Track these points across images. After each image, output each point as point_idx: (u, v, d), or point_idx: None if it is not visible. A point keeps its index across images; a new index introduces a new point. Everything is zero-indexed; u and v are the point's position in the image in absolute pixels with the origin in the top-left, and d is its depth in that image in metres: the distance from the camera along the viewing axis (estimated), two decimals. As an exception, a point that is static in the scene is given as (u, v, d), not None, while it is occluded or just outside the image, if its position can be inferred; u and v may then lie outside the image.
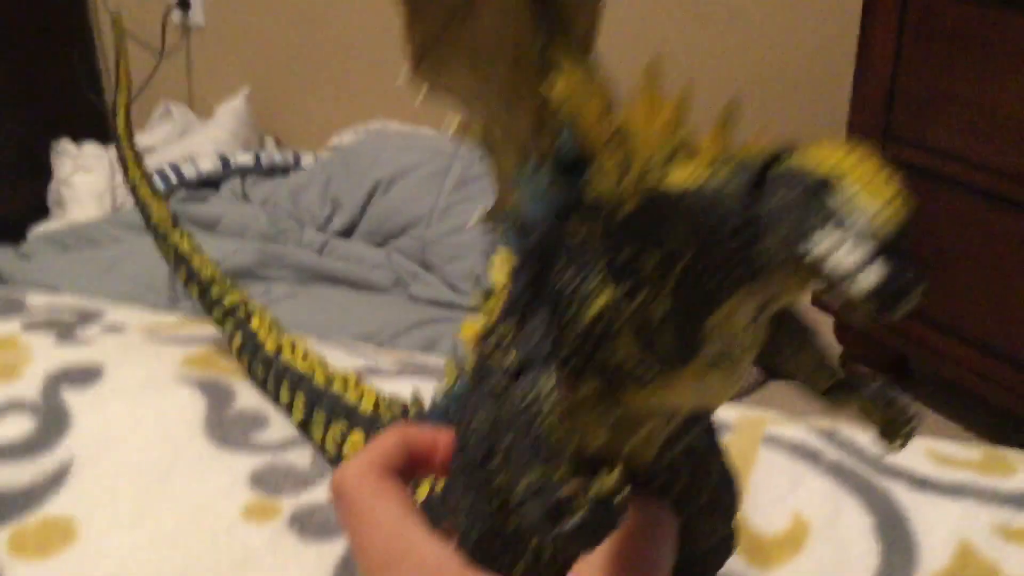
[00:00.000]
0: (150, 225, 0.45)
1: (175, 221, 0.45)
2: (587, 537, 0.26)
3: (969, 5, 1.41)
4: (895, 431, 0.33)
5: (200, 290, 0.46)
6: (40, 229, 2.00)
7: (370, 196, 1.87)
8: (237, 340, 0.44)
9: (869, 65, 1.57)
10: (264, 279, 1.73)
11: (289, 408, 0.51)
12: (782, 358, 0.33)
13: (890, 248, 0.23)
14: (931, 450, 0.54)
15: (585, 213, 0.28)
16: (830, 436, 0.55)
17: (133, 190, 0.45)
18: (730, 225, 0.26)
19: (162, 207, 0.45)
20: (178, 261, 0.45)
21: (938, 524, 0.48)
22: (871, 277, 0.23)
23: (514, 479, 0.28)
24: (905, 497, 0.50)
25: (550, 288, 0.29)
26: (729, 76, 1.96)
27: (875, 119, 1.57)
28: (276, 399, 0.53)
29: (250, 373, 0.49)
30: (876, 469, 0.52)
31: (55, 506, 0.48)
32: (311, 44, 2.25)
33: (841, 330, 1.77)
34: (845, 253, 0.23)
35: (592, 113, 0.28)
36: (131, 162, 0.44)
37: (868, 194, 0.24)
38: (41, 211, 2.10)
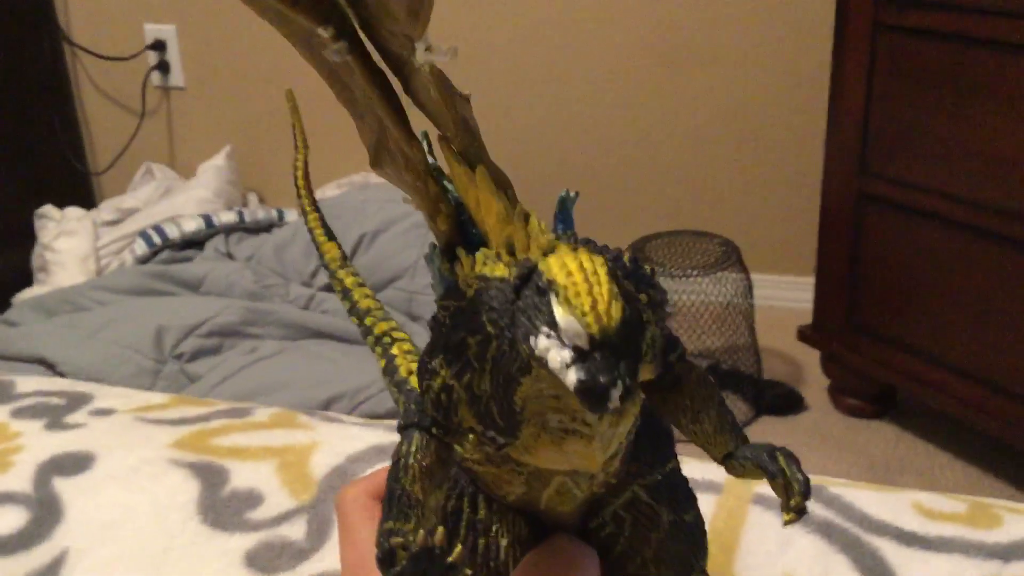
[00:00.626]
0: (323, 263, 0.51)
1: (344, 260, 0.51)
2: None
3: (936, 43, 1.44)
4: (786, 503, 0.34)
5: (358, 320, 0.51)
6: (24, 295, 2.00)
7: (355, 249, 1.88)
8: (382, 363, 0.48)
9: (842, 103, 1.59)
10: (252, 337, 1.73)
11: None
12: (682, 424, 0.36)
13: (595, 349, 0.26)
14: (917, 503, 0.55)
15: (450, 298, 0.31)
16: (818, 493, 0.55)
17: (310, 231, 0.51)
18: (506, 317, 0.29)
19: (333, 248, 0.51)
20: (344, 294, 0.50)
21: (926, 580, 0.48)
22: (572, 377, 0.26)
23: (380, 524, 0.31)
24: (893, 554, 0.50)
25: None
26: (704, 117, 1.99)
27: (850, 156, 1.60)
28: None
29: (389, 392, 0.52)
30: (863, 526, 0.52)
31: (50, 600, 0.48)
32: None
33: (828, 363, 1.78)
34: (555, 353, 0.26)
35: (471, 201, 0.31)
36: (310, 209, 0.50)
37: (575, 299, 0.26)
38: (25, 277, 2.10)
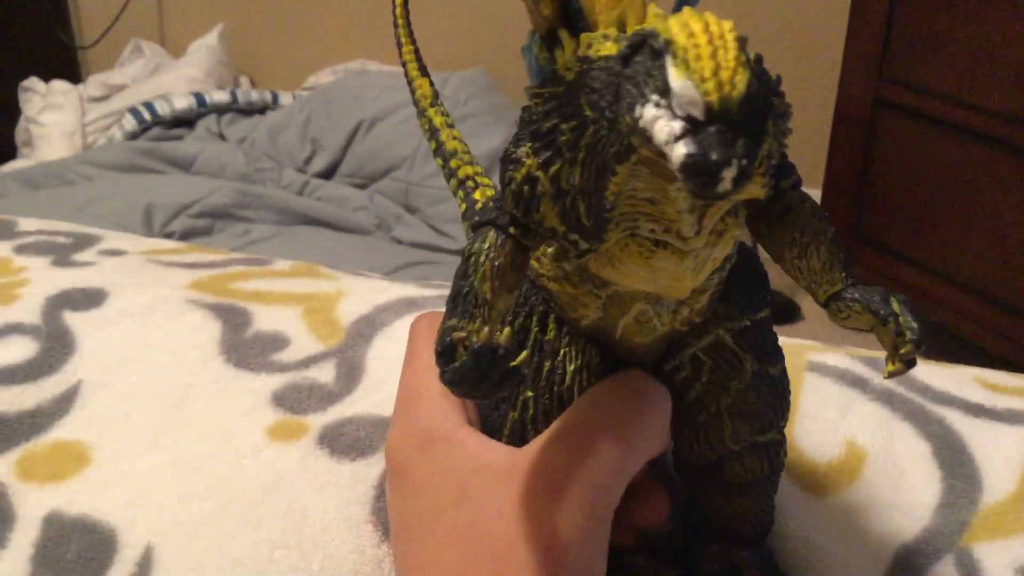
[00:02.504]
0: (414, 99, 0.48)
1: (435, 98, 0.47)
2: (466, 382, 0.28)
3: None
4: (893, 352, 0.30)
5: (443, 160, 0.48)
6: (9, 167, 1.94)
7: (351, 137, 1.83)
8: (463, 207, 0.46)
9: (865, 4, 1.54)
10: (244, 220, 1.69)
11: None
12: (787, 258, 0.32)
13: (711, 122, 0.22)
14: (979, 378, 0.52)
15: (546, 85, 0.29)
16: (875, 363, 0.53)
17: (404, 65, 0.48)
18: (609, 93, 0.25)
19: (425, 84, 0.48)
20: (431, 133, 0.47)
21: (998, 449, 0.46)
22: (680, 151, 0.22)
23: (442, 322, 0.30)
24: (960, 423, 0.47)
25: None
26: (722, 12, 1.92)
27: (870, 59, 1.55)
28: None
29: (467, 238, 0.49)
30: (926, 396, 0.50)
31: (64, 430, 0.45)
32: (287, -20, 2.19)
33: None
34: (663, 124, 0.23)
35: None
36: (405, 40, 0.46)
37: (695, 62, 0.23)
38: (8, 151, 2.04)
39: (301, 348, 0.51)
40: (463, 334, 0.28)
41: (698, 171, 0.22)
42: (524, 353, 0.28)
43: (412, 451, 0.35)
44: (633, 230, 0.28)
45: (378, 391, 0.48)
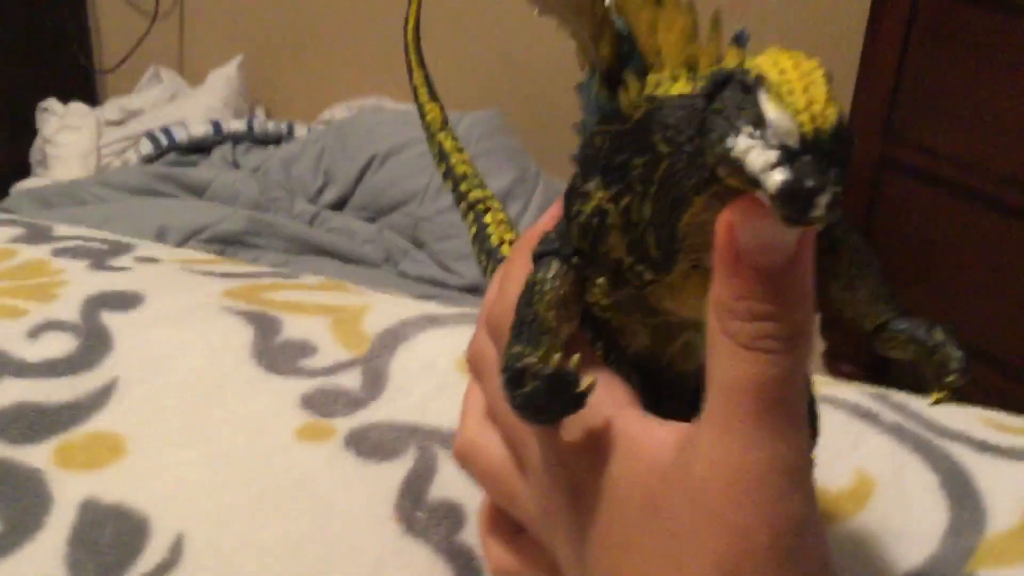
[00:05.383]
0: (423, 124, 0.50)
1: (444, 123, 0.49)
2: (536, 408, 0.29)
3: (980, 9, 1.42)
4: (936, 381, 0.32)
5: (453, 184, 0.49)
6: (23, 185, 1.96)
7: (364, 170, 1.85)
8: (472, 230, 0.47)
9: (874, 63, 1.57)
10: (253, 247, 1.71)
11: None
12: (833, 289, 0.33)
13: (805, 151, 0.23)
14: (985, 418, 0.54)
15: (611, 122, 0.30)
16: (883, 398, 0.54)
17: (414, 90, 0.49)
18: (691, 128, 0.27)
19: (435, 109, 0.50)
20: (441, 157, 0.49)
21: (1004, 484, 0.47)
22: (777, 178, 0.23)
23: (507, 349, 0.30)
24: (967, 458, 0.49)
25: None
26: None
27: (877, 117, 1.58)
28: None
29: (477, 261, 0.51)
30: (934, 432, 0.51)
31: (102, 422, 0.47)
32: (307, 16, 2.22)
33: (828, 328, 1.77)
34: (757, 153, 0.24)
35: (643, 24, 0.29)
36: (415, 66, 0.48)
37: (788, 96, 0.24)
38: (23, 170, 2.06)
39: (329, 355, 0.52)
40: (533, 360, 0.30)
41: (795, 197, 0.23)
42: (592, 378, 0.30)
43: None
44: (697, 261, 0.29)
45: (402, 399, 0.50)
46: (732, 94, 0.25)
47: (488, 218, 0.50)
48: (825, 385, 0.55)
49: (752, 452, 0.26)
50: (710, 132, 0.25)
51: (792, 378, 0.27)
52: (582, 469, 0.30)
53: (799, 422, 0.27)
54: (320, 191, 1.87)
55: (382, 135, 1.87)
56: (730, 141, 0.24)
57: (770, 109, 0.24)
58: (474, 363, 0.37)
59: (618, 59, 0.31)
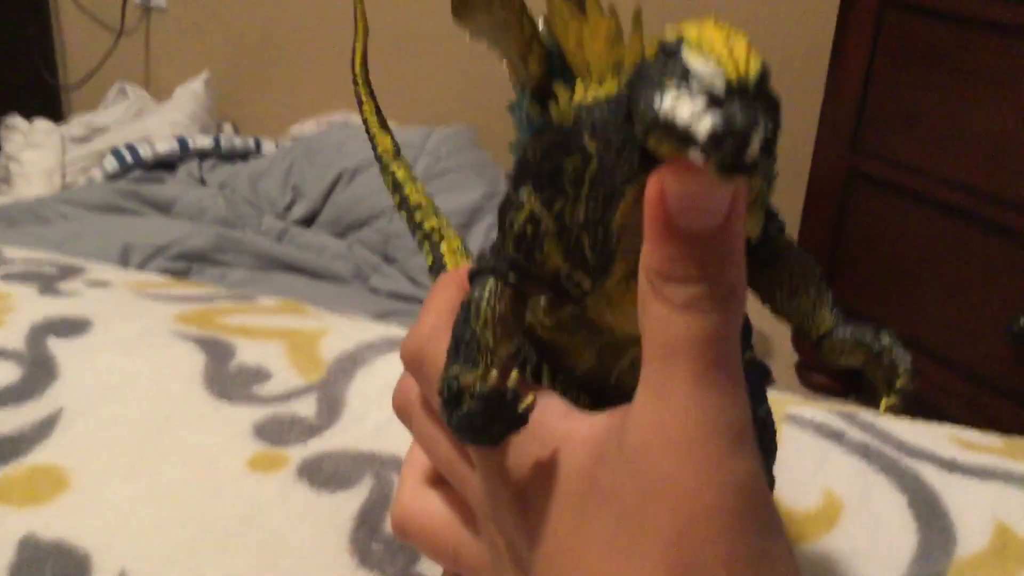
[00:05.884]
0: (376, 154, 0.50)
1: (397, 152, 0.49)
2: (475, 429, 0.28)
3: (943, 24, 1.43)
4: (887, 386, 0.31)
5: (407, 214, 0.49)
6: (-15, 204, 1.93)
7: (332, 186, 1.84)
8: (429, 260, 0.46)
9: (841, 78, 1.58)
10: (221, 264, 1.68)
11: None
12: (777, 299, 0.33)
13: (732, 98, 0.23)
14: (953, 436, 0.53)
15: (542, 135, 0.29)
16: (851, 418, 0.54)
17: (364, 122, 0.49)
18: (617, 120, 0.27)
19: (386, 140, 0.50)
20: (395, 188, 0.48)
21: (972, 505, 0.46)
22: (707, 122, 0.23)
23: (444, 370, 0.30)
24: (934, 477, 0.48)
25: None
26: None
27: (844, 131, 1.58)
28: None
29: None
30: (902, 451, 0.50)
31: (44, 454, 0.45)
32: (273, 32, 2.21)
33: (798, 339, 1.77)
34: (685, 105, 0.23)
35: (571, 39, 0.29)
36: (365, 97, 0.49)
37: (710, 48, 0.24)
38: (-15, 187, 2.03)
39: (283, 382, 0.51)
40: (470, 379, 0.29)
41: (725, 140, 0.22)
42: (532, 396, 0.29)
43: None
44: (633, 268, 0.29)
45: (358, 426, 0.48)
46: (656, 65, 0.25)
47: (443, 247, 0.49)
48: (792, 404, 0.54)
49: (692, 412, 0.25)
50: (636, 104, 0.25)
51: (729, 336, 0.26)
52: (525, 480, 0.29)
53: (739, 380, 0.26)
54: (288, 207, 1.85)
55: (351, 151, 1.86)
56: (656, 102, 0.24)
57: (693, 60, 0.24)
58: (400, 405, 0.36)
59: (547, 75, 0.30)
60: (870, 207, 1.59)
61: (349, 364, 0.53)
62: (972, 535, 0.44)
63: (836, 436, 0.51)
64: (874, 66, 1.52)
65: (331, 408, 0.49)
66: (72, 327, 0.53)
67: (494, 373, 0.29)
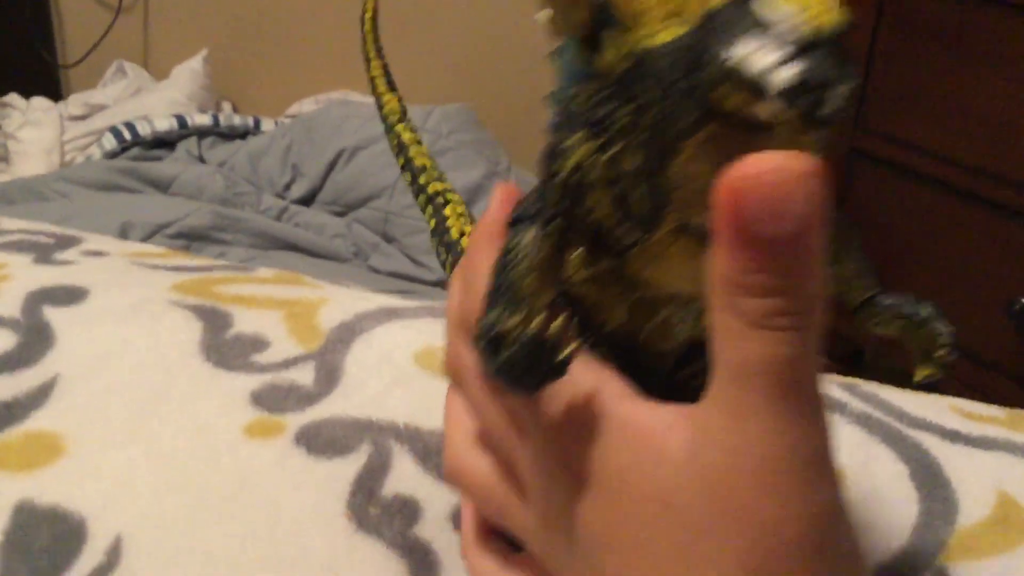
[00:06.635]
0: (381, 115, 0.49)
1: (403, 114, 0.48)
2: (515, 375, 0.27)
3: (947, 2, 1.42)
4: (928, 355, 0.31)
5: (411, 176, 0.48)
6: (-17, 182, 1.93)
7: (332, 165, 1.83)
8: (431, 223, 0.45)
9: (844, 55, 1.57)
10: (220, 242, 1.68)
11: None
12: None
13: (813, 50, 0.22)
14: (956, 407, 0.53)
15: (591, 83, 0.28)
16: (852, 388, 0.53)
17: (371, 80, 0.49)
18: (683, 65, 0.25)
19: (393, 100, 0.49)
20: (400, 150, 0.47)
21: (974, 474, 0.46)
22: (787, 72, 0.22)
23: (480, 315, 0.29)
24: (937, 448, 0.48)
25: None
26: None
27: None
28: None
29: (436, 254, 0.49)
30: (904, 422, 0.50)
31: (40, 421, 0.44)
32: (272, 10, 2.20)
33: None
34: (760, 55, 0.22)
35: None
36: (373, 56, 0.48)
37: (785, 2, 0.23)
38: (-16, 166, 2.02)
39: (281, 350, 0.51)
40: (511, 324, 0.28)
41: (806, 91, 0.22)
42: (575, 343, 0.28)
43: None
44: (685, 222, 0.28)
45: (356, 394, 0.48)
46: (727, 14, 0.24)
47: (447, 211, 0.49)
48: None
49: (772, 439, 0.24)
50: (705, 53, 0.24)
51: (807, 357, 0.24)
52: (582, 463, 0.28)
53: (818, 404, 0.25)
54: (288, 186, 1.84)
55: (350, 129, 1.85)
56: (730, 50, 0.23)
57: (770, 9, 0.23)
58: (452, 370, 0.35)
59: (595, 24, 0.28)
60: (872, 186, 1.59)
61: (347, 333, 0.52)
62: (974, 505, 0.44)
63: (838, 407, 0.51)
64: (877, 43, 1.52)
65: (329, 376, 0.49)
66: (68, 295, 0.53)
67: (539, 318, 0.28)
